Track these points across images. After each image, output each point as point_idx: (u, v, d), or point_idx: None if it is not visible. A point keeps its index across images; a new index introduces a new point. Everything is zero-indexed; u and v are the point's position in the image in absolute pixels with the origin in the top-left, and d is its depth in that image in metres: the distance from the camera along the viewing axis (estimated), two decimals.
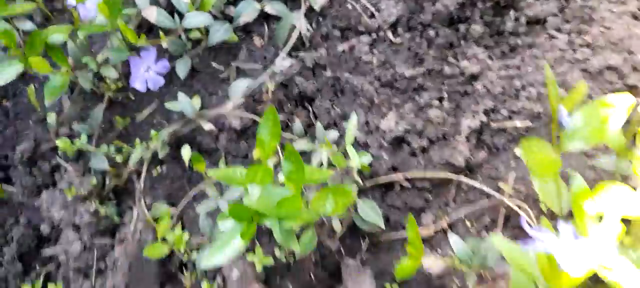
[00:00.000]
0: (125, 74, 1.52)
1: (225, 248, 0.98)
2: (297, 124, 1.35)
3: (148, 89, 1.43)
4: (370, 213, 1.20)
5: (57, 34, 1.27)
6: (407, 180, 1.33)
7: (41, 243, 1.45)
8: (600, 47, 1.43)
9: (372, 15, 1.58)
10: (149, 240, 1.26)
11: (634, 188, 0.85)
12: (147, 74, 1.34)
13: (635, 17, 1.48)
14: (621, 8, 1.49)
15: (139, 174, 1.44)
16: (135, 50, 1.41)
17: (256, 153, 0.92)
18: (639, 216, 0.82)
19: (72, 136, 1.45)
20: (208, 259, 0.98)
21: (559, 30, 1.51)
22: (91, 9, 1.31)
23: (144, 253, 1.16)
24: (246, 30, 1.61)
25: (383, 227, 1.20)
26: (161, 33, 1.40)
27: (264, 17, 1.61)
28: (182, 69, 1.50)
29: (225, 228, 1.00)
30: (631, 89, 1.36)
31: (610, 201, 0.83)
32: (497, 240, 0.91)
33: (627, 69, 1.38)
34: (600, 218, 0.80)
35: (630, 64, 1.39)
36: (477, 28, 1.51)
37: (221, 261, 0.97)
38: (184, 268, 1.28)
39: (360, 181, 1.25)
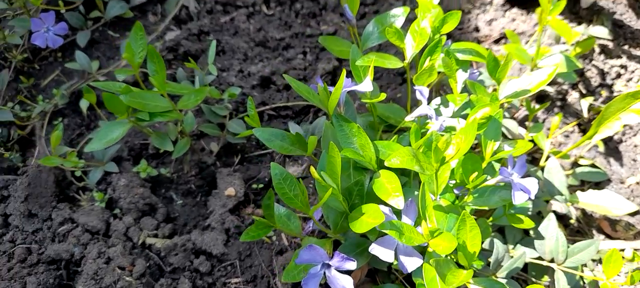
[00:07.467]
0: (32, 50, 1.75)
1: (103, 139, 1.21)
2: (180, 72, 1.62)
3: (51, 54, 1.65)
4: (237, 127, 1.47)
5: None
6: (273, 110, 1.62)
7: None
8: None
9: None
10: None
11: None
12: (46, 33, 1.57)
13: None
14: None
15: (42, 126, 1.63)
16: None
17: (125, 56, 1.18)
18: None
19: None
20: (90, 145, 1.21)
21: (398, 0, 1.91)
22: None
23: (40, 162, 1.35)
24: (143, 10, 1.89)
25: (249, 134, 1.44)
26: (60, 2, 1.65)
27: None
28: (82, 39, 1.74)
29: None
30: None
31: None
32: None
33: None
34: None
35: None
36: (333, 0, 1.89)
37: (100, 146, 1.21)
38: (80, 191, 1.48)
39: (229, 105, 1.52)
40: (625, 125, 1.47)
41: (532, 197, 1.01)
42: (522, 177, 1.05)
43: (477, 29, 1.72)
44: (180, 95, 1.33)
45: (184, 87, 1.32)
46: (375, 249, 0.94)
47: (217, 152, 1.54)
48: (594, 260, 1.30)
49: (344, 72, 0.99)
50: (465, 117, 1.09)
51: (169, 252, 1.35)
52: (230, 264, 1.35)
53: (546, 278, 1.16)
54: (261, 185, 1.47)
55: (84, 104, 1.63)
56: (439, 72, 1.24)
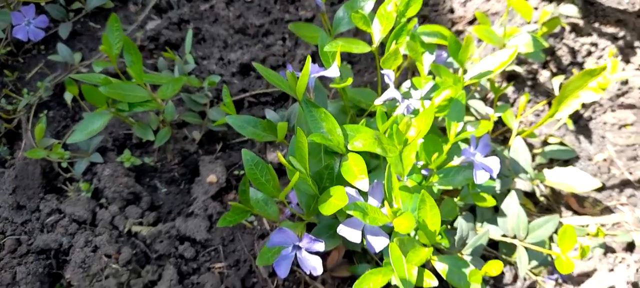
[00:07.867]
0: (15, 43, 1.77)
1: (85, 130, 1.25)
2: (161, 61, 1.65)
3: (35, 47, 1.67)
4: (218, 115, 1.51)
5: None
6: (253, 96, 1.66)
7: None
8: None
9: None
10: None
11: None
12: (28, 27, 1.59)
13: None
14: None
15: (28, 119, 1.66)
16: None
17: (102, 48, 1.20)
18: None
19: None
20: (72, 137, 1.24)
21: None
22: None
23: (26, 155, 1.38)
24: (123, 0, 1.91)
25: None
26: None
27: None
28: (64, 31, 1.77)
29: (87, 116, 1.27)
30: None
31: None
32: None
33: None
34: None
35: None
36: None
37: (82, 138, 1.24)
38: (67, 181, 1.52)
39: (209, 94, 1.56)
40: (595, 103, 1.51)
41: (494, 176, 1.05)
42: (486, 156, 1.09)
43: (451, 10, 1.74)
44: (160, 85, 1.36)
45: (162, 76, 1.35)
46: (342, 230, 0.99)
47: (199, 140, 1.57)
48: None
49: (309, 58, 1.02)
50: (431, 98, 1.13)
51: (154, 239, 1.39)
52: (214, 249, 1.40)
53: (515, 256, 1.21)
54: (242, 172, 1.51)
55: (68, 96, 1.66)
56: (406, 55, 1.27)
